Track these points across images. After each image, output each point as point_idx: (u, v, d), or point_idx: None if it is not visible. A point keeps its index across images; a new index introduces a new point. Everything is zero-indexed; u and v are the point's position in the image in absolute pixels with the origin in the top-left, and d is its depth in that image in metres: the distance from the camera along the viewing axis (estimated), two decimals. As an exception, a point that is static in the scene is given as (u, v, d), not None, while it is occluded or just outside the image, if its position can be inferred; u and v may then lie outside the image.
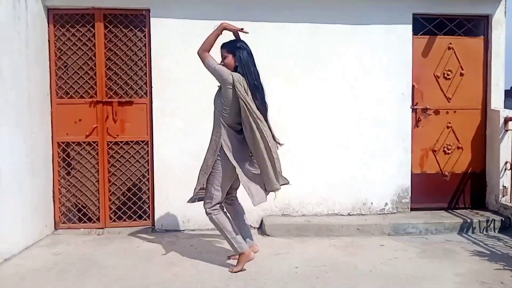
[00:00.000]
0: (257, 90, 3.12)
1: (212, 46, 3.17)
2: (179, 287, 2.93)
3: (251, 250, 3.31)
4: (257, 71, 3.17)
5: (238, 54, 3.11)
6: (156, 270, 3.24)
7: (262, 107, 3.15)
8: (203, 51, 3.15)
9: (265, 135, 3.06)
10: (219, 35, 3.16)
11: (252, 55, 3.17)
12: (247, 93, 3.05)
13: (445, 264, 3.37)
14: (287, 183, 3.30)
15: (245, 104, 3.02)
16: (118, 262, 3.42)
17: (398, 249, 3.77)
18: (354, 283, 2.99)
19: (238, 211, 3.46)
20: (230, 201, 3.44)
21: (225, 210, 3.33)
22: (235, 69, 3.13)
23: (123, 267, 3.30)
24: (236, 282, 3.00)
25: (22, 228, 3.72)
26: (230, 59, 3.15)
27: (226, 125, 3.13)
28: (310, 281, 3.03)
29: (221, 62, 3.17)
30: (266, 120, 3.17)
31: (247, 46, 3.18)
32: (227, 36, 3.23)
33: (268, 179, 3.14)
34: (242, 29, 3.19)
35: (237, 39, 3.21)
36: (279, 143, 3.24)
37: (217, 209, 3.22)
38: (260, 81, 3.17)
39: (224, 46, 3.19)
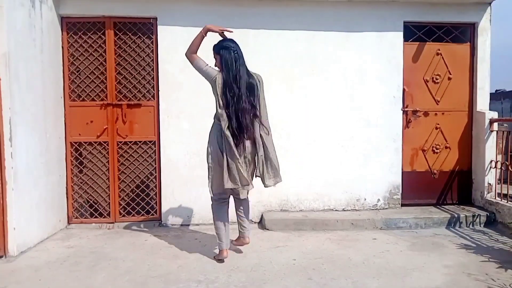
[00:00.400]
0: (232, 87, 2.96)
1: (198, 47, 3.12)
2: (184, 278, 2.92)
3: (241, 242, 3.42)
4: (239, 68, 3.00)
5: (221, 53, 3.05)
6: (163, 262, 3.24)
7: (241, 103, 2.97)
8: (191, 53, 3.13)
9: (225, 135, 2.96)
10: (203, 36, 3.12)
11: (237, 52, 3.03)
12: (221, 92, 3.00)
13: (433, 257, 3.37)
14: (238, 187, 3.03)
15: (216, 103, 3.03)
16: (127, 254, 3.42)
17: (390, 242, 3.77)
18: (348, 274, 2.99)
19: (238, 203, 3.38)
20: (235, 196, 3.35)
21: (227, 205, 3.30)
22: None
23: (132, 260, 3.30)
24: (238, 273, 3.00)
25: (38, 223, 3.73)
26: (218, 59, 3.12)
27: (215, 120, 3.15)
28: (307, 272, 3.03)
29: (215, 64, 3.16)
30: (250, 116, 3.01)
31: (233, 43, 3.07)
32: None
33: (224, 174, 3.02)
34: (223, 32, 3.14)
35: (224, 38, 3.16)
36: (243, 151, 3.03)
37: (215, 200, 3.24)
38: (240, 78, 2.98)
39: (213, 48, 3.15)
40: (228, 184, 2.98)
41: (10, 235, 3.35)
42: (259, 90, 3.12)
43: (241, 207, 3.39)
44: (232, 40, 3.12)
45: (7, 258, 3.32)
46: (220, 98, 2.99)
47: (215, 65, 3.15)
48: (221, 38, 3.17)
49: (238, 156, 2.96)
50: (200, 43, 3.13)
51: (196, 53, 3.13)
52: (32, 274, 3.01)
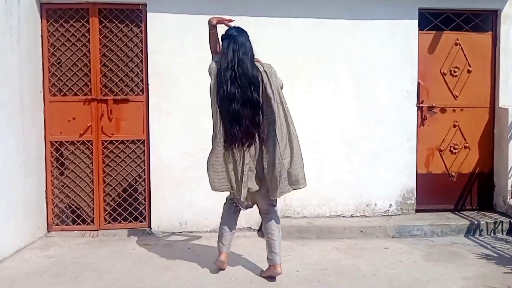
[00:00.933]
0: (225, 80, 2.90)
1: (215, 44, 3.12)
2: (175, 291, 2.93)
3: (270, 272, 3.09)
4: (239, 58, 2.90)
5: (222, 43, 3.02)
6: (152, 274, 3.24)
7: (234, 102, 2.90)
8: (212, 54, 3.13)
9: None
10: (213, 31, 3.09)
11: (236, 41, 2.94)
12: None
13: (451, 268, 3.37)
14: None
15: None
16: (112, 265, 3.42)
17: (403, 252, 3.77)
18: (357, 287, 2.99)
19: (265, 226, 3.16)
20: (262, 216, 3.20)
21: (237, 209, 3.22)
22: None
23: (118, 271, 3.30)
24: (235, 286, 3.01)
25: (14, 230, 3.72)
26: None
27: None
28: (311, 285, 3.03)
29: None
30: (248, 108, 2.92)
31: (236, 31, 3.00)
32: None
33: None
34: (228, 20, 3.10)
35: (229, 27, 3.09)
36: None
37: (227, 198, 3.29)
38: (237, 70, 2.89)
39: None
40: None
41: (-16, 243, 3.35)
42: (265, 83, 2.93)
43: (266, 223, 3.14)
44: (236, 28, 3.04)
45: (-19, 269, 3.33)
46: (213, 92, 2.97)
47: None
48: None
49: (212, 162, 2.99)
50: (214, 39, 3.11)
51: (216, 51, 3.11)
52: (8, 286, 3.01)
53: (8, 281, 3.11)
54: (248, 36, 3.02)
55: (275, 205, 3.17)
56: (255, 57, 3.05)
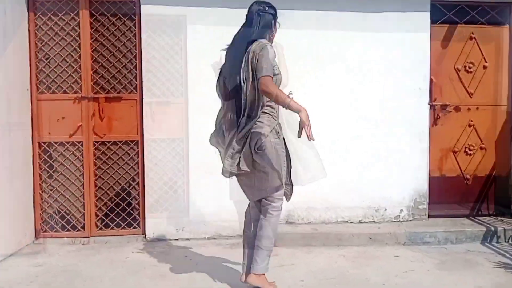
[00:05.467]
0: None
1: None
2: (172, 301, 2.95)
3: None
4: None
5: None
6: (147, 283, 3.25)
7: None
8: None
9: None
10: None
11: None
12: None
13: (466, 277, 3.38)
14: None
15: None
16: (104, 274, 3.43)
17: (415, 260, 3.78)
18: (365, 298, 3.00)
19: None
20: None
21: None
22: None
23: (110, 280, 3.31)
24: (236, 295, 3.02)
25: None
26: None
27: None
28: (317, 295, 3.04)
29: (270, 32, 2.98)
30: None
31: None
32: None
33: None
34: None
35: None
36: None
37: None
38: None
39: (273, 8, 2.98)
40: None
41: (-33, 251, 3.37)
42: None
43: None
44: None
45: (-36, 278, 3.35)
46: None
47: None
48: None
49: None
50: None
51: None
52: (-6, 296, 3.03)
53: (-6, 291, 3.13)
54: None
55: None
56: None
